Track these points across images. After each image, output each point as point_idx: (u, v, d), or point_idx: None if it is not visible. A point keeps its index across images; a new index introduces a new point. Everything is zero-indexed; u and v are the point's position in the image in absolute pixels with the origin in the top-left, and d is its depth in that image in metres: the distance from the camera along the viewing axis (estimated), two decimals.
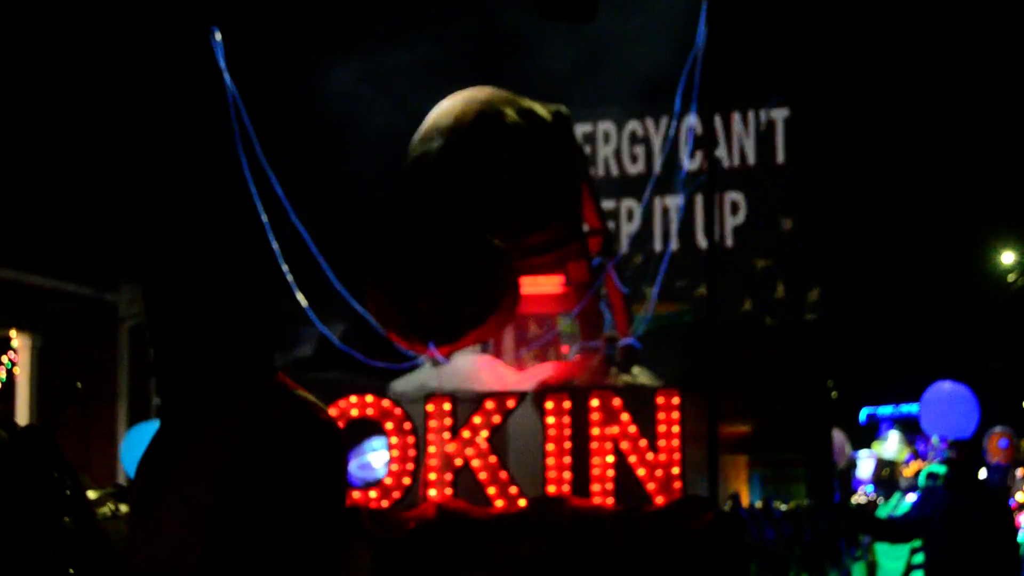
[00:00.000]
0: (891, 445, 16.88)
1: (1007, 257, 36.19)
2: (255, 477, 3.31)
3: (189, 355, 3.50)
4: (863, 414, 17.19)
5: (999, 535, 9.49)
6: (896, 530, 9.69)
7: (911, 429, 16.80)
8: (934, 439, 14.05)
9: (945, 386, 15.33)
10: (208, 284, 3.49)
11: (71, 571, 3.77)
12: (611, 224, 20.88)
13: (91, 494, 4.72)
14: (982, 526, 9.34)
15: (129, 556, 3.40)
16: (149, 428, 13.41)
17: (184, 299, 3.49)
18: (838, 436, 18.14)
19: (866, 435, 17.79)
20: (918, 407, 15.60)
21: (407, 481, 8.09)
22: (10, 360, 17.70)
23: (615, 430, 7.93)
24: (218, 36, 9.08)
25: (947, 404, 15.06)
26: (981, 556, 9.34)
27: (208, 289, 3.49)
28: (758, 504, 13.02)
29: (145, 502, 3.52)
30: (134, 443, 12.67)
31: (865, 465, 16.81)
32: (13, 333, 18.11)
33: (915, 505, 9.79)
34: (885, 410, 18.24)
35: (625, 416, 7.96)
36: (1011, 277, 36.65)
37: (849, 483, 17.51)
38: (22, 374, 18.37)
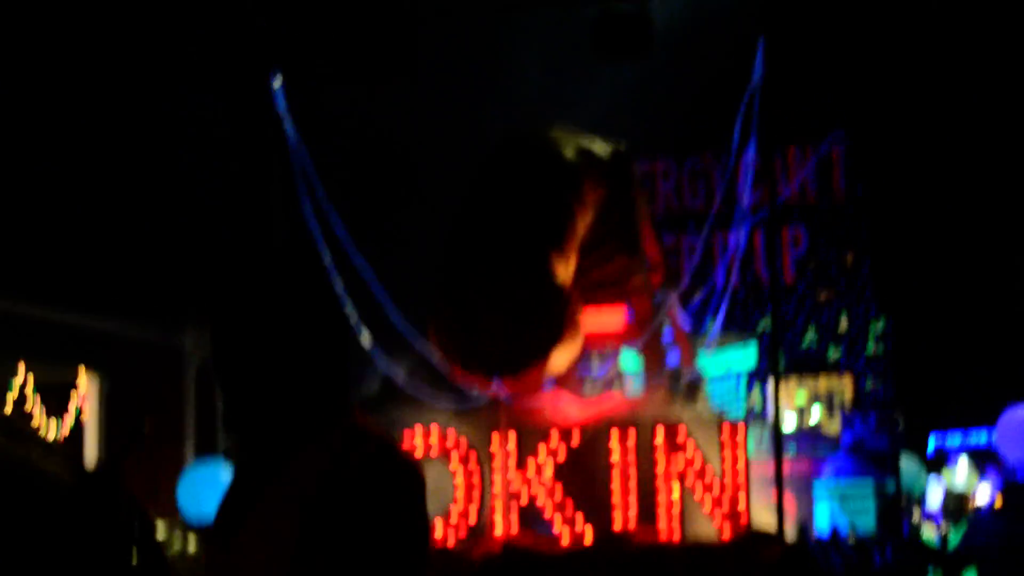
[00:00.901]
0: (961, 473, 16.66)
1: None
2: (340, 516, 3.31)
3: (262, 396, 3.50)
4: (931, 445, 16.95)
5: None
6: (958, 562, 9.56)
7: (981, 457, 16.58)
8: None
9: (1020, 412, 15.11)
10: (279, 324, 3.50)
11: None
12: (672, 259, 20.84)
13: (160, 534, 4.74)
14: None
15: None
16: (207, 467, 13.45)
17: (255, 340, 3.49)
18: (910, 465, 17.93)
19: (935, 465, 17.57)
20: (989, 435, 15.40)
21: (473, 518, 8.07)
22: (79, 404, 17.86)
23: (680, 463, 7.89)
24: (278, 82, 9.15)
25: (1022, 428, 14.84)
26: None
27: (279, 329, 3.49)
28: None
29: (224, 540, 3.52)
30: (192, 482, 12.73)
31: (934, 494, 16.59)
32: (81, 376, 18.27)
33: (966, 535, 9.68)
34: (954, 440, 18.01)
35: (690, 449, 7.92)
36: None
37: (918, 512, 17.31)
38: (90, 417, 18.53)
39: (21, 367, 16.63)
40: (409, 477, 3.43)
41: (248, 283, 3.62)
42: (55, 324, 18.12)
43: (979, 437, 16.64)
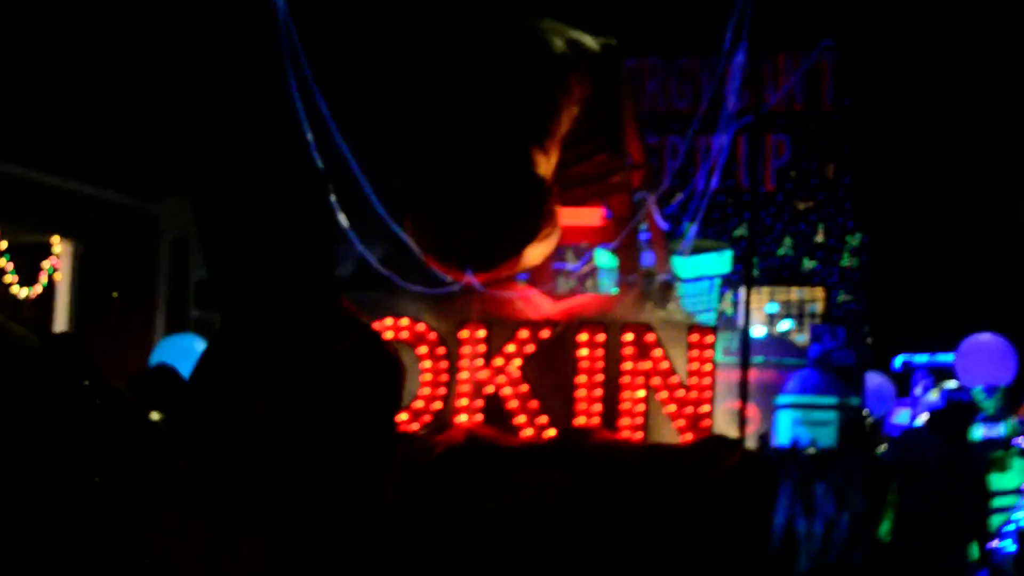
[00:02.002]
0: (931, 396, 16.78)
1: None
2: (319, 397, 3.34)
3: (249, 273, 3.50)
4: (898, 361, 17.06)
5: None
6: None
7: (947, 378, 16.69)
8: (976, 389, 13.91)
9: (983, 337, 15.21)
10: (267, 203, 3.49)
11: (96, 479, 3.79)
12: (654, 160, 20.78)
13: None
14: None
15: (167, 461, 3.42)
16: (180, 341, 13.46)
17: (244, 217, 3.48)
18: (877, 380, 18.03)
19: (902, 382, 17.66)
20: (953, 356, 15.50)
21: (438, 406, 8.11)
22: (52, 266, 17.80)
23: (647, 365, 7.92)
24: None
25: (983, 355, 14.95)
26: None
27: (267, 207, 3.48)
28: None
29: (197, 410, 3.54)
30: (164, 355, 12.72)
31: (900, 414, 16.73)
32: (55, 240, 18.21)
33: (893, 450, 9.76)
34: (921, 358, 18.14)
35: (658, 352, 7.95)
36: None
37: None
38: (62, 281, 18.48)
39: None
40: (391, 368, 3.49)
41: (235, 159, 3.61)
42: (31, 186, 18.00)
43: (947, 358, 16.72)
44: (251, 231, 3.46)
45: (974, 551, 9.97)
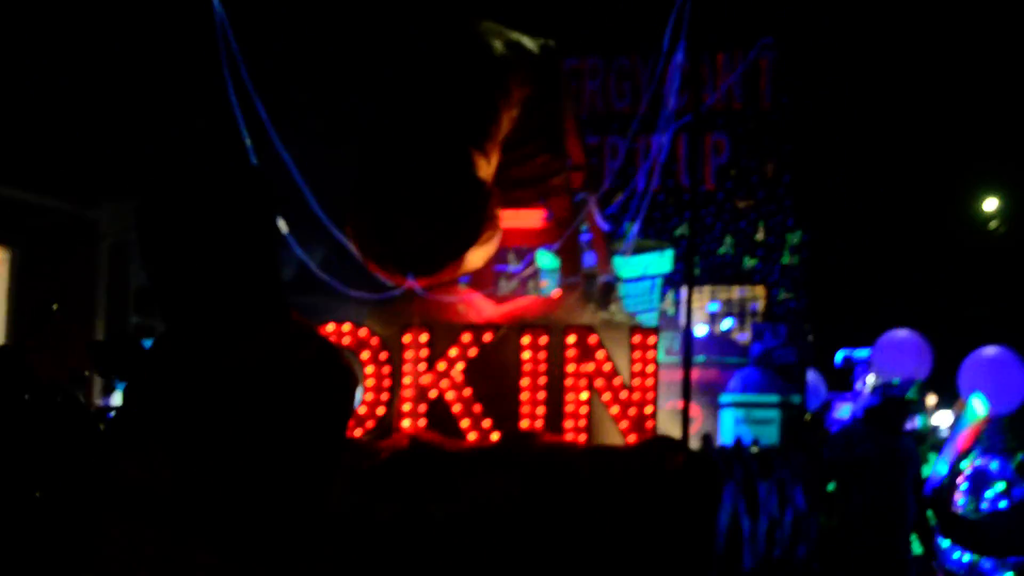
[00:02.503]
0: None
1: (989, 204, 36.23)
2: (279, 404, 3.36)
3: (194, 286, 3.49)
4: (839, 356, 17.21)
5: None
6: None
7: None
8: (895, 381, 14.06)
9: (899, 333, 15.41)
10: (214, 215, 3.47)
11: (37, 494, 3.77)
12: (594, 160, 20.84)
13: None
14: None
15: (116, 470, 3.42)
16: None
17: (189, 229, 3.46)
18: (811, 376, 18.19)
19: (843, 377, 17.82)
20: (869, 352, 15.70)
21: (381, 411, 8.10)
22: None
23: (590, 367, 7.94)
24: None
25: (900, 350, 15.14)
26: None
27: (214, 219, 3.47)
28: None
29: (145, 420, 3.53)
30: None
31: (842, 409, 16.86)
32: None
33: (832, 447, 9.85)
34: (862, 353, 18.31)
35: (601, 354, 7.97)
36: (993, 224, 36.77)
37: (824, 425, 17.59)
38: None
39: None
40: (347, 377, 3.53)
41: (180, 173, 3.60)
42: None
43: None
44: (197, 244, 3.45)
45: (916, 546, 10.07)
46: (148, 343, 3.80)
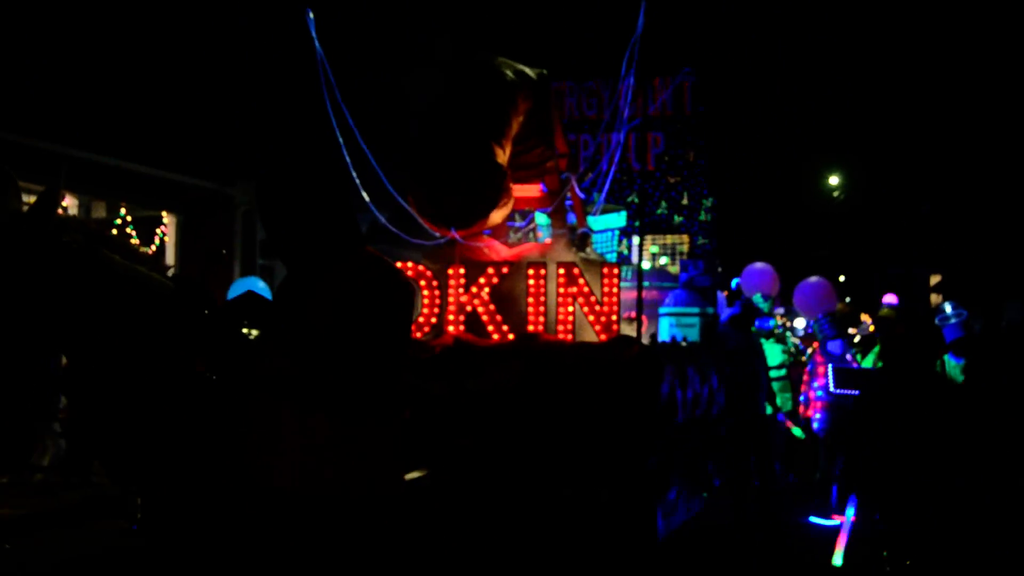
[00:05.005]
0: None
1: (834, 179, 36.40)
2: (361, 308, 3.41)
3: (297, 236, 3.54)
4: (733, 283, 17.25)
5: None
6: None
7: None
8: (756, 296, 14.06)
9: (758, 265, 15.42)
10: (308, 189, 3.52)
11: (212, 377, 3.83)
12: (573, 151, 20.75)
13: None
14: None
15: (264, 362, 3.47)
16: (248, 281, 13.43)
17: (292, 200, 3.51)
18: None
19: (735, 296, 17.85)
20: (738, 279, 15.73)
21: (434, 320, 8.17)
22: (162, 232, 17.68)
23: (574, 290, 7.99)
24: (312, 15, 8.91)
25: (759, 276, 15.18)
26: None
27: (308, 193, 3.52)
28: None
29: (279, 326, 3.59)
30: (238, 290, 12.63)
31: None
32: (164, 213, 18.07)
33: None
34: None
35: (581, 281, 8.02)
36: (836, 194, 36.83)
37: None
38: (169, 242, 18.36)
39: (123, 208, 16.40)
40: (407, 289, 3.57)
41: (284, 161, 3.65)
42: (146, 176, 17.82)
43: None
44: (296, 208, 3.51)
45: (768, 408, 10.23)
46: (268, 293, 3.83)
